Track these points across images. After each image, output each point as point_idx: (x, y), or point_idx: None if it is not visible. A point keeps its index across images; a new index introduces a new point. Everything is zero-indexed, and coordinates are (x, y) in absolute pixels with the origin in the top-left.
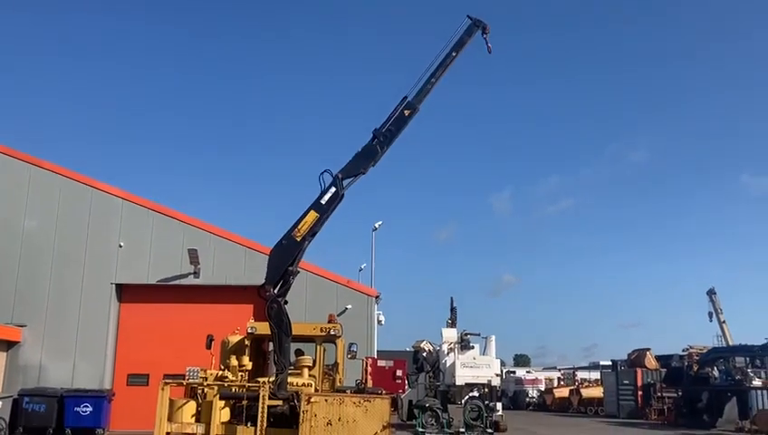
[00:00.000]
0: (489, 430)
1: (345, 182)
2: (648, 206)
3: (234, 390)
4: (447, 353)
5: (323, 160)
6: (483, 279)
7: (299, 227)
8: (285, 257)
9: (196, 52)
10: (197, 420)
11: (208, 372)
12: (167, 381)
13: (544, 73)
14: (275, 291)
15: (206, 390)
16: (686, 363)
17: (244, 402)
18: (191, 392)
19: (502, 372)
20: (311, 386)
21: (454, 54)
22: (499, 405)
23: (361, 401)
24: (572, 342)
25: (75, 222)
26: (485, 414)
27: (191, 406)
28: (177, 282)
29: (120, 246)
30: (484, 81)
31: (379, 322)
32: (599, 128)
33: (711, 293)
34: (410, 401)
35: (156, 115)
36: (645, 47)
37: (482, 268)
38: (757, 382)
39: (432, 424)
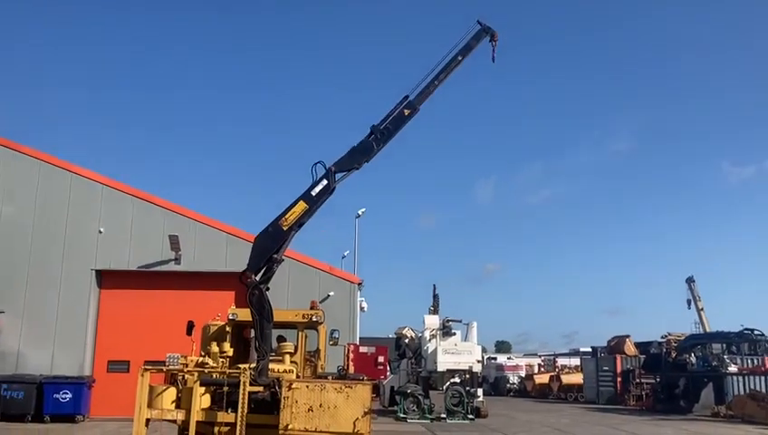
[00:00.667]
0: (470, 416)
1: (338, 176)
2: (629, 193)
3: (214, 376)
4: (429, 340)
5: (310, 148)
6: (466, 267)
7: (286, 216)
8: (270, 245)
9: (174, 30)
10: (178, 407)
11: (189, 358)
12: (146, 367)
13: (528, 63)
14: (257, 278)
15: (186, 376)
16: (665, 350)
17: (225, 389)
18: (171, 379)
19: (483, 358)
20: (292, 372)
21: (460, 58)
22: (480, 391)
23: (342, 388)
24: (554, 329)
25: (54, 208)
26: (466, 400)
27: (171, 392)
28: (158, 268)
29: (101, 232)
30: (467, 70)
31: (361, 308)
32: (582, 117)
33: (690, 281)
34: (392, 388)
35: (137, 99)
36: (623, 36)
37: (465, 256)
38: (733, 369)
39: (413, 410)
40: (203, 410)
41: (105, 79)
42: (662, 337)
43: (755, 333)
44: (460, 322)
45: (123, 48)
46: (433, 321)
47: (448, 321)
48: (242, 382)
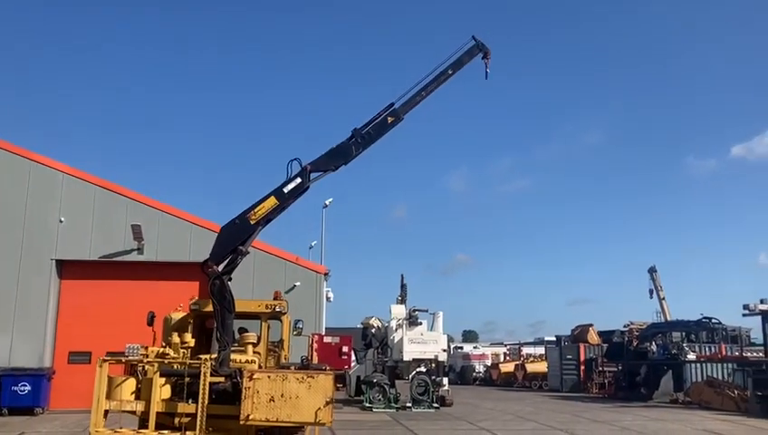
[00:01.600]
0: (435, 405)
1: (313, 175)
2: (598, 186)
3: (176, 367)
4: (396, 329)
5: (282, 142)
6: (436, 257)
7: (255, 210)
8: (235, 237)
9: (136, 20)
10: (137, 398)
11: (150, 349)
12: (105, 358)
13: (502, 57)
14: (220, 268)
15: (146, 367)
16: (627, 339)
17: (186, 379)
18: (131, 370)
19: (450, 347)
20: (254, 363)
21: (450, 72)
22: (446, 380)
23: (305, 378)
24: (521, 318)
25: (13, 196)
26: (432, 389)
27: (131, 383)
28: (120, 258)
29: (61, 222)
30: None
31: (327, 299)
32: (552, 109)
33: (652, 271)
34: (358, 377)
35: (99, 87)
36: (593, 29)
37: (435, 247)
38: (692, 356)
39: (379, 399)
40: (163, 400)
41: (71, 64)
42: (624, 326)
43: (713, 321)
44: (426, 311)
45: (97, 37)
46: (399, 311)
47: (414, 311)
48: (202, 373)
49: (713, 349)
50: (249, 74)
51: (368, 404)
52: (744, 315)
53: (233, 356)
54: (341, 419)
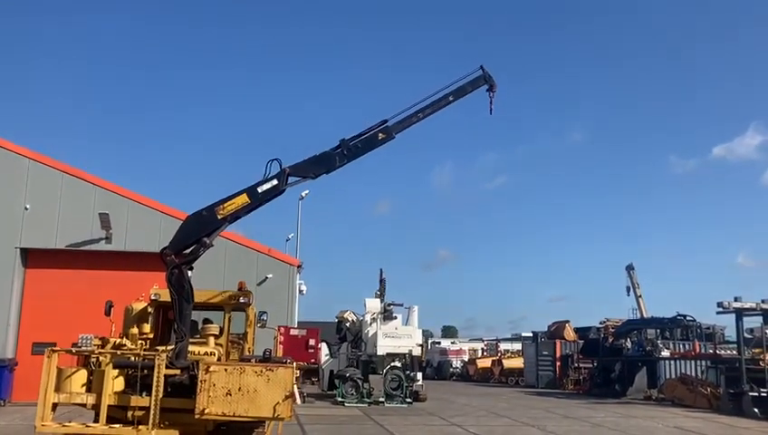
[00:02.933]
0: (408, 400)
1: (291, 179)
2: (580, 184)
3: (132, 359)
4: (370, 323)
5: (261, 132)
6: (418, 253)
7: (225, 205)
8: (200, 229)
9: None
10: (89, 390)
11: (110, 339)
12: (53, 349)
13: (485, 53)
14: (180, 257)
15: (100, 359)
16: (602, 335)
17: (140, 371)
18: (85, 362)
19: (427, 342)
20: (213, 355)
21: (451, 99)
22: (419, 375)
23: (263, 371)
24: (501, 315)
25: None
26: (406, 384)
27: (81, 375)
28: (87, 247)
29: (26, 209)
30: (425, 56)
31: (300, 291)
32: (537, 107)
33: (629, 268)
34: (331, 371)
35: (67, 71)
36: (578, 27)
37: (418, 243)
38: (666, 353)
39: (352, 394)
40: (115, 393)
41: (37, 47)
42: (600, 323)
43: (687, 318)
44: (401, 306)
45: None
46: (374, 304)
47: (390, 305)
48: (156, 365)
49: (687, 346)
50: (226, 52)
51: (340, 399)
52: (717, 313)
53: (192, 348)
54: (312, 413)
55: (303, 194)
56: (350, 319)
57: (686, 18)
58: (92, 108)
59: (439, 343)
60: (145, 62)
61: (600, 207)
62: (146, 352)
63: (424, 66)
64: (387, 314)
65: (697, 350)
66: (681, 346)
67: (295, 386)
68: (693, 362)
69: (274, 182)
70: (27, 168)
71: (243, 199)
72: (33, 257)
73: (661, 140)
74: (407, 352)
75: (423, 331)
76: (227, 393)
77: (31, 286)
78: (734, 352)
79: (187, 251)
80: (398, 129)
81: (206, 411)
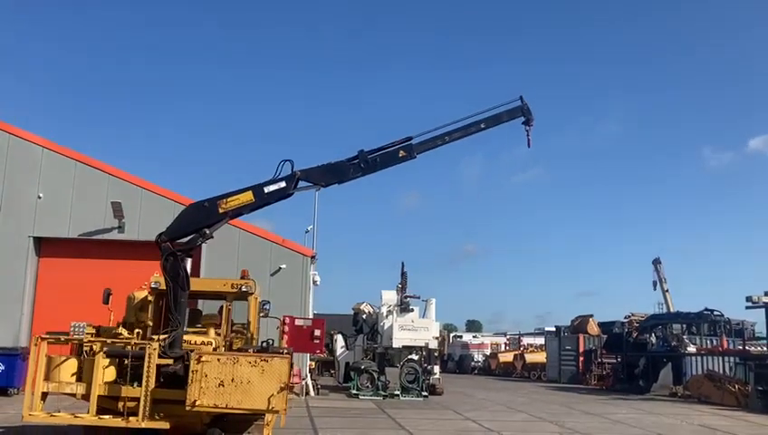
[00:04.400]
0: (424, 393)
1: (301, 184)
2: (612, 177)
3: (128, 348)
4: (386, 316)
5: (275, 127)
6: (446, 247)
7: (228, 200)
8: (199, 220)
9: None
10: (79, 380)
11: (103, 328)
12: (42, 336)
13: (518, 47)
14: (176, 245)
15: (94, 347)
16: (627, 330)
17: (130, 361)
18: (78, 350)
19: (448, 336)
20: (210, 345)
21: (483, 126)
22: (437, 368)
23: (257, 361)
24: (528, 309)
25: None
26: (422, 377)
27: (72, 364)
28: (100, 236)
29: (40, 198)
30: (449, 46)
31: (314, 282)
32: (570, 101)
33: (656, 262)
34: (347, 363)
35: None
36: (612, 19)
37: (445, 236)
38: (692, 349)
39: (367, 387)
40: (106, 383)
41: (61, 41)
42: (625, 317)
43: (714, 313)
44: (418, 298)
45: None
46: (390, 296)
47: (406, 297)
48: (147, 354)
49: (714, 342)
50: (240, 50)
51: (355, 391)
52: (747, 308)
53: (189, 338)
54: (324, 405)
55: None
56: (366, 311)
57: (720, 8)
58: (107, 96)
59: (461, 336)
60: (161, 52)
61: (631, 200)
62: (137, 341)
63: (462, 64)
64: (403, 307)
65: (725, 346)
66: (708, 342)
67: (309, 377)
68: (720, 358)
69: (282, 185)
70: (40, 156)
71: (247, 197)
72: (46, 246)
73: (695, 132)
74: (423, 344)
75: (445, 325)
76: (220, 384)
77: (44, 275)
78: (765, 348)
79: (184, 240)
80: (421, 149)
81: (197, 403)
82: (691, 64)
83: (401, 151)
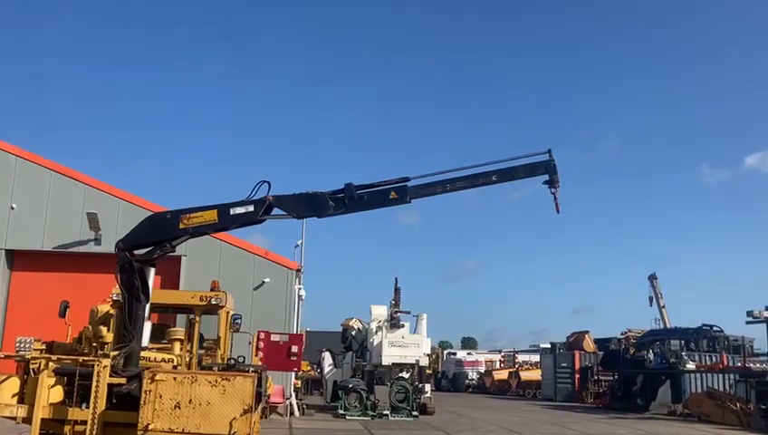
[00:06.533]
0: (415, 413)
1: (276, 211)
2: (611, 194)
3: (77, 365)
4: (376, 332)
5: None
6: (441, 263)
7: (191, 215)
8: (159, 232)
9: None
10: (21, 401)
11: (57, 344)
12: None
13: (516, 61)
14: (133, 255)
15: (40, 365)
16: (623, 346)
17: (76, 380)
18: (25, 369)
19: (442, 353)
20: (171, 362)
21: (494, 179)
22: (428, 387)
23: (218, 380)
24: (523, 326)
25: None
26: (413, 396)
27: (13, 383)
28: (75, 249)
29: (12, 208)
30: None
31: (299, 297)
32: (569, 114)
33: (652, 278)
34: (335, 382)
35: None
36: (608, 34)
37: (441, 253)
38: (691, 366)
39: (355, 406)
40: (51, 404)
41: (29, 44)
42: (622, 333)
43: (714, 329)
44: (409, 313)
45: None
46: (380, 312)
47: (396, 312)
48: (96, 372)
49: (714, 358)
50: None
51: (342, 411)
52: (747, 323)
53: (148, 354)
54: (307, 426)
55: None
56: (355, 327)
57: (717, 21)
58: (81, 102)
59: (455, 353)
60: (139, 54)
61: (626, 216)
62: (87, 359)
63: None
64: (393, 322)
65: (725, 362)
66: (707, 359)
67: (293, 397)
68: (720, 375)
69: (250, 209)
70: (14, 165)
71: (211, 216)
72: (19, 259)
73: (692, 149)
74: (414, 362)
75: (439, 342)
76: (176, 406)
77: (17, 290)
78: (766, 365)
79: (142, 251)
80: (417, 194)
81: (150, 427)
82: (688, 81)
83: (393, 193)
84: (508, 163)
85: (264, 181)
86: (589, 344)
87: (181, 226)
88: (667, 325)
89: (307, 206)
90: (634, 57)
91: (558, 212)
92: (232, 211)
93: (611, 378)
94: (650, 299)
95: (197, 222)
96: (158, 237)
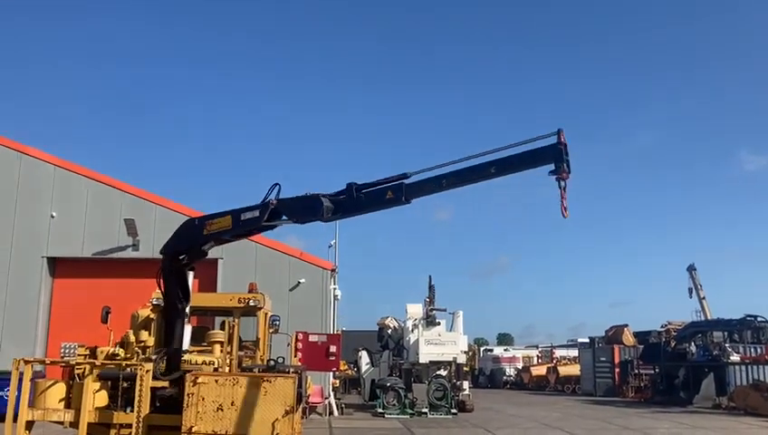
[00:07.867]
0: (453, 411)
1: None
2: (649, 184)
3: (130, 370)
4: (412, 330)
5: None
6: (477, 260)
7: (213, 220)
8: (191, 237)
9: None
10: (67, 406)
11: (100, 349)
12: (26, 359)
13: (547, 55)
14: (175, 261)
15: (85, 370)
16: (664, 339)
17: (121, 384)
18: (71, 374)
19: (478, 350)
20: (212, 365)
21: (492, 171)
22: (466, 384)
23: (259, 382)
24: (561, 321)
25: (2, 190)
26: (451, 394)
27: (59, 388)
28: (114, 255)
29: (53, 217)
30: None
31: (335, 297)
32: (604, 106)
33: (691, 269)
34: (373, 381)
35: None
36: (644, 24)
37: (478, 249)
38: (735, 358)
39: (394, 405)
40: (97, 409)
41: (66, 51)
42: (662, 326)
43: (758, 319)
44: (445, 311)
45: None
46: (416, 310)
47: (432, 310)
48: (138, 376)
49: (759, 350)
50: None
51: (380, 410)
52: None
53: (190, 357)
54: (347, 426)
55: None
56: (391, 326)
57: (753, 11)
58: (116, 111)
59: (491, 350)
60: (169, 62)
61: (663, 207)
62: (129, 363)
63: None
64: (429, 320)
65: None
66: (752, 350)
67: (332, 396)
68: (766, 366)
69: (256, 214)
70: (53, 175)
71: (226, 221)
72: (60, 267)
73: (731, 136)
74: (451, 359)
75: (475, 339)
76: (218, 408)
77: (59, 297)
78: None
79: (183, 256)
80: (415, 194)
81: (193, 429)
82: (725, 68)
83: (389, 193)
84: (509, 151)
85: (277, 184)
86: (628, 338)
87: (205, 232)
88: (708, 317)
89: (304, 210)
90: (667, 47)
91: (565, 216)
92: (242, 216)
93: (652, 371)
94: (690, 290)
95: (216, 228)
96: (189, 243)
